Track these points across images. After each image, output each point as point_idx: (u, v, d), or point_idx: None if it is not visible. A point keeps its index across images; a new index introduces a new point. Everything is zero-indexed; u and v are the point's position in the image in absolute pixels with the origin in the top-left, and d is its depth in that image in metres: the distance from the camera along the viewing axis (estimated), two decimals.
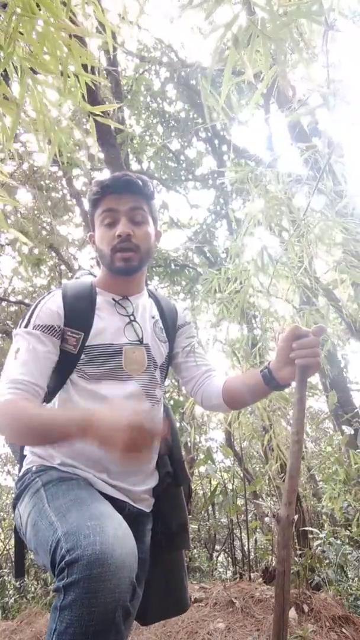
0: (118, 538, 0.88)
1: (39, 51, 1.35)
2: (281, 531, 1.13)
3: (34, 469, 1.19)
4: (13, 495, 1.23)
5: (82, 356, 1.23)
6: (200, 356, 1.43)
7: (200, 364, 1.41)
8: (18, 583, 4.45)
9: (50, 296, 1.28)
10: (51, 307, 1.24)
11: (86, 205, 6.61)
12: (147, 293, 1.45)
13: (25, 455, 1.26)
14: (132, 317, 1.32)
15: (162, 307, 1.44)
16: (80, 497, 1.00)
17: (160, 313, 1.42)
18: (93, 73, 3.29)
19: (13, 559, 1.33)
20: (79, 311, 1.26)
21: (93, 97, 3.46)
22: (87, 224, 1.44)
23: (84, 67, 1.49)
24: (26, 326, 1.22)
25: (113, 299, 1.33)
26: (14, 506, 1.20)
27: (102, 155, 4.04)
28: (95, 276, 1.44)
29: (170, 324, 1.43)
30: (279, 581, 1.12)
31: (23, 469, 1.23)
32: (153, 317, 1.39)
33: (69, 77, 1.48)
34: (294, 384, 1.19)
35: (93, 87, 3.27)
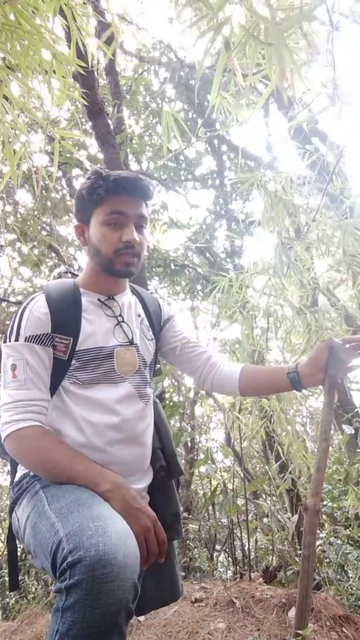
0: (121, 539, 0.88)
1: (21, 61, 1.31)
2: (308, 518, 1.23)
3: (31, 473, 1.17)
4: (10, 501, 1.22)
5: (73, 362, 1.20)
6: (195, 344, 1.45)
7: (199, 352, 1.43)
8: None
9: (34, 302, 1.23)
10: (37, 314, 1.20)
11: None
12: (130, 290, 1.43)
13: None
14: (120, 318, 1.30)
15: (147, 304, 1.43)
16: (82, 499, 1.00)
17: (145, 310, 1.41)
18: (90, 74, 3.29)
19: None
20: (65, 315, 1.22)
21: (92, 98, 3.46)
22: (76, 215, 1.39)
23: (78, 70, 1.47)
24: (17, 339, 1.17)
25: (99, 300, 1.30)
26: (11, 510, 1.19)
27: (101, 156, 4.04)
28: (76, 275, 1.41)
29: (155, 321, 1.42)
30: (304, 564, 1.22)
31: (19, 474, 1.22)
32: (139, 316, 1.38)
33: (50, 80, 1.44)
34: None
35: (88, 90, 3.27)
